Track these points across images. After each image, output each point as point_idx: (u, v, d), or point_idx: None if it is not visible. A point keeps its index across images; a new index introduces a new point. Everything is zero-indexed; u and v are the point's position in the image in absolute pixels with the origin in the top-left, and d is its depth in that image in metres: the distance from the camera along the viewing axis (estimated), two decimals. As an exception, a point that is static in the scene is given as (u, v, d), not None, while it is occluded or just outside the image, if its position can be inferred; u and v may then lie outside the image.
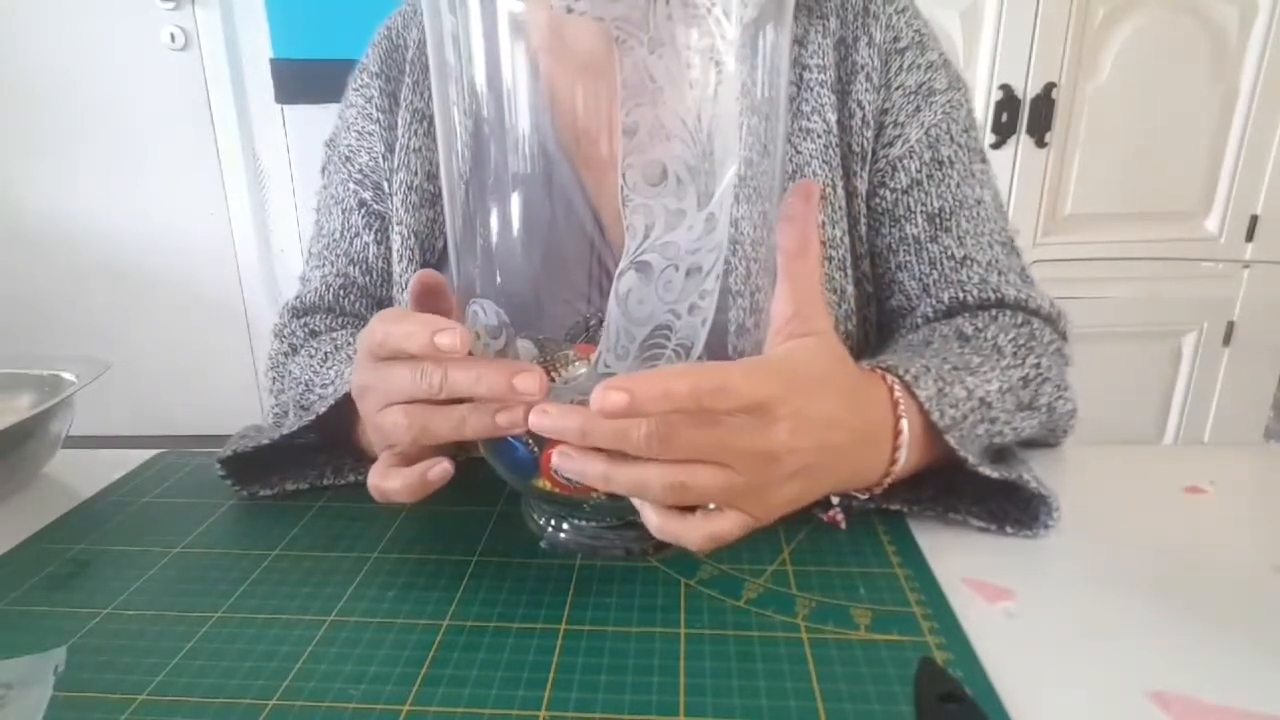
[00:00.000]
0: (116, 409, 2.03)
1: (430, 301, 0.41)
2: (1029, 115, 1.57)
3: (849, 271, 0.59)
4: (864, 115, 0.58)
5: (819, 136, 0.58)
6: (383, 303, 0.67)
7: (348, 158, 0.66)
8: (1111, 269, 1.63)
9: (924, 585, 0.41)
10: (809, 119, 0.58)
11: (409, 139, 0.62)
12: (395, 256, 0.62)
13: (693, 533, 0.37)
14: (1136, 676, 0.35)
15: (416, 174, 0.61)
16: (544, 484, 0.40)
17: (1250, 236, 1.61)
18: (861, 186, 0.59)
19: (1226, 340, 1.68)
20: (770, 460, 0.36)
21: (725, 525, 0.37)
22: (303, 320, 0.66)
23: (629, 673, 0.35)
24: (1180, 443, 1.73)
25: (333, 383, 0.56)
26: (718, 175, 0.34)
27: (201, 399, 2.16)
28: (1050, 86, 1.55)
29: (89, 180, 2.03)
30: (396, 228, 0.61)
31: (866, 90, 0.58)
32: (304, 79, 1.87)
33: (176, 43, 1.92)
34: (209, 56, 1.93)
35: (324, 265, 0.67)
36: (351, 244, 0.66)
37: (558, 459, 0.36)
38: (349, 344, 0.60)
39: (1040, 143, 1.58)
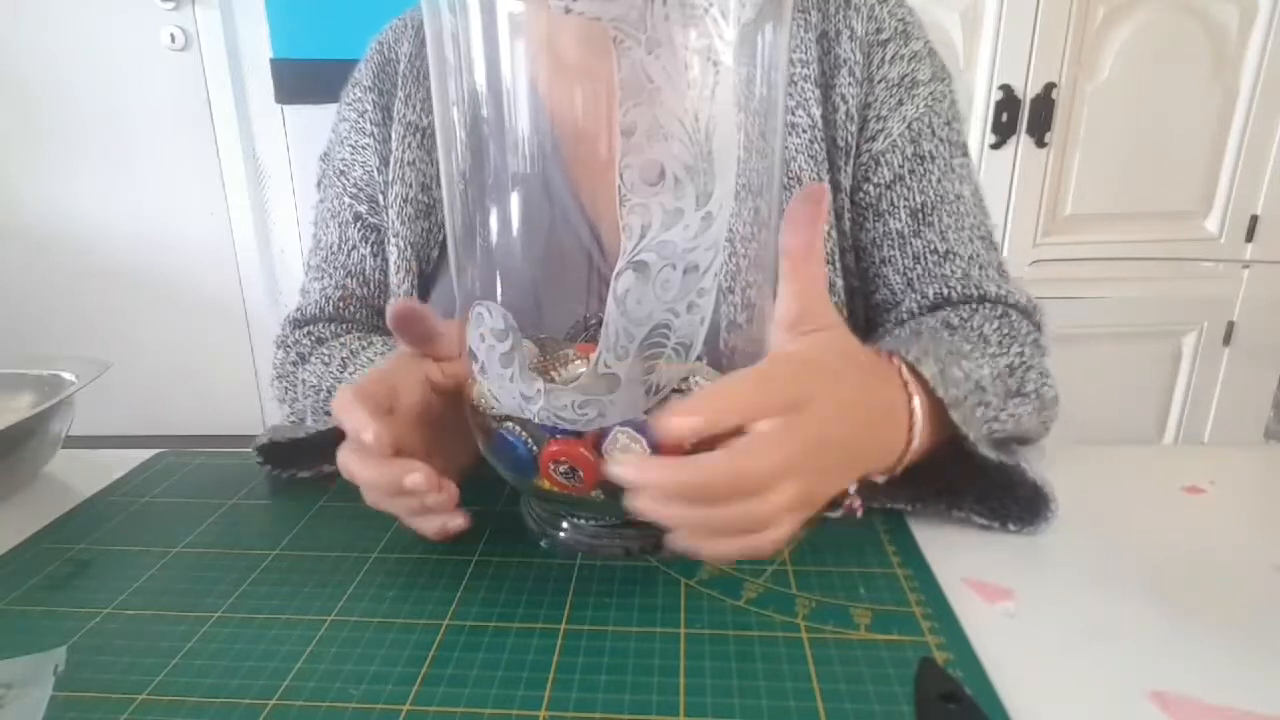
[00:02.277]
0: (116, 409, 2.02)
1: (411, 328, 0.43)
2: (1029, 115, 1.56)
3: (836, 265, 0.60)
4: (847, 109, 0.59)
5: (804, 131, 0.58)
6: (382, 313, 0.68)
7: (342, 171, 0.66)
8: (1111, 269, 1.63)
9: (924, 585, 0.41)
10: (794, 114, 0.59)
11: (403, 152, 0.62)
12: (392, 268, 0.63)
13: (761, 546, 0.36)
14: (1136, 676, 0.35)
15: (411, 186, 0.62)
16: (544, 483, 0.40)
17: (1250, 236, 1.61)
18: (846, 181, 0.60)
19: (1226, 340, 1.68)
20: (824, 447, 0.37)
21: (784, 530, 0.37)
22: (306, 329, 0.66)
23: (629, 673, 0.35)
24: (1180, 443, 1.73)
25: None
26: (715, 175, 0.34)
27: (201, 399, 2.16)
28: (1050, 86, 1.54)
29: (89, 180, 2.02)
30: (393, 240, 0.62)
31: (849, 84, 0.59)
32: (304, 79, 1.87)
33: (176, 43, 1.91)
34: (209, 57, 1.93)
35: (323, 278, 0.68)
36: (349, 256, 0.66)
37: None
38: (363, 349, 0.60)
39: (1040, 143, 1.58)
